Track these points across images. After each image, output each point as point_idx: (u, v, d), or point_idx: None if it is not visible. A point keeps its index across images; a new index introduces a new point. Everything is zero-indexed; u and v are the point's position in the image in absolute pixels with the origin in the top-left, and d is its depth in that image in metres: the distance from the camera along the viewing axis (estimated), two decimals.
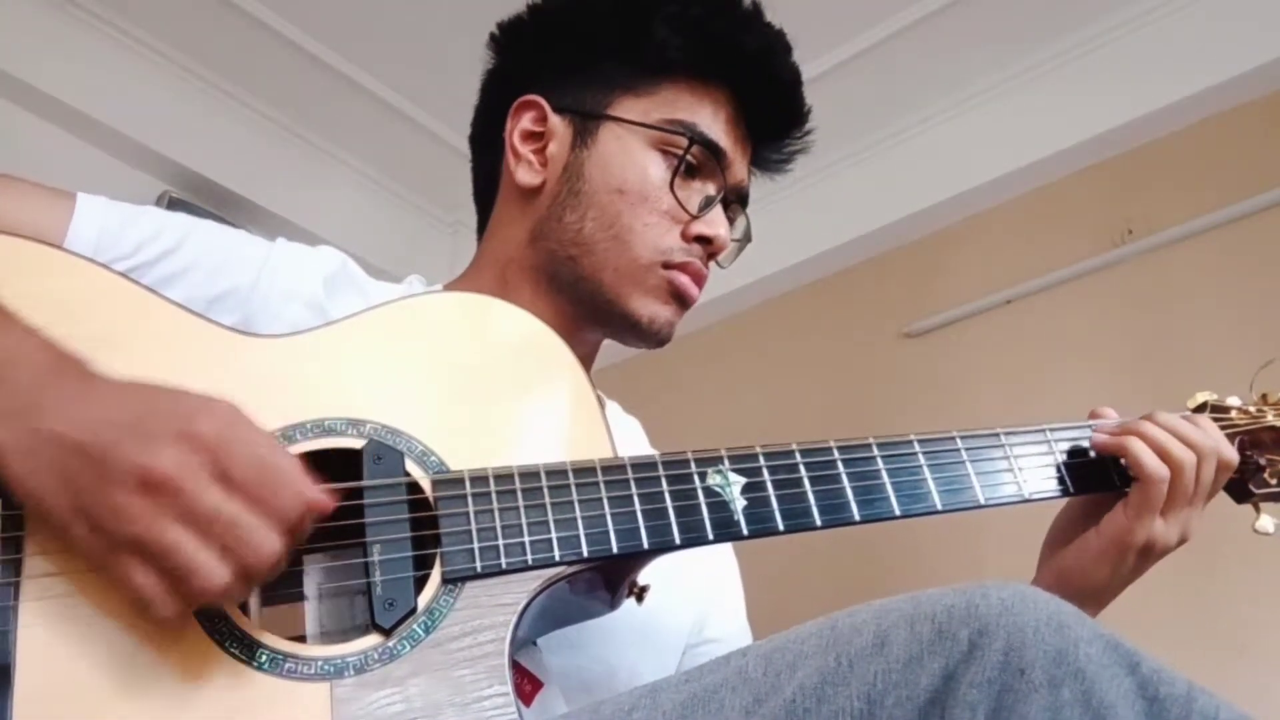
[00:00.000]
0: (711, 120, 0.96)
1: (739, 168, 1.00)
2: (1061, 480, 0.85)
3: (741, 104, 0.99)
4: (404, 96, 2.63)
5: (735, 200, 1.02)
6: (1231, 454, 0.87)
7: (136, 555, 0.57)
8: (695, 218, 0.95)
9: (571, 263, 0.95)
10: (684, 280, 0.95)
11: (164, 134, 2.44)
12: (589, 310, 0.95)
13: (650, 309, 0.95)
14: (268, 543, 0.58)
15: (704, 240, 0.95)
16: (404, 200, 2.96)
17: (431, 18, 2.38)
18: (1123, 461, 0.85)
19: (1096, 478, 0.86)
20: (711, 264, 0.99)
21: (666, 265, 0.94)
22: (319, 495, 0.61)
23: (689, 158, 0.95)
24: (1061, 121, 2.28)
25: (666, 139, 0.95)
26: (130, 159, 2.44)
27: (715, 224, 0.96)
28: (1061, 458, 0.86)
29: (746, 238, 1.06)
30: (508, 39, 1.04)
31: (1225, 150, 2.11)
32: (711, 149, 0.96)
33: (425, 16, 2.38)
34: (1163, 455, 0.83)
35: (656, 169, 0.94)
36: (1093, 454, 0.87)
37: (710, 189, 0.97)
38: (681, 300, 0.96)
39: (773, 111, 1.01)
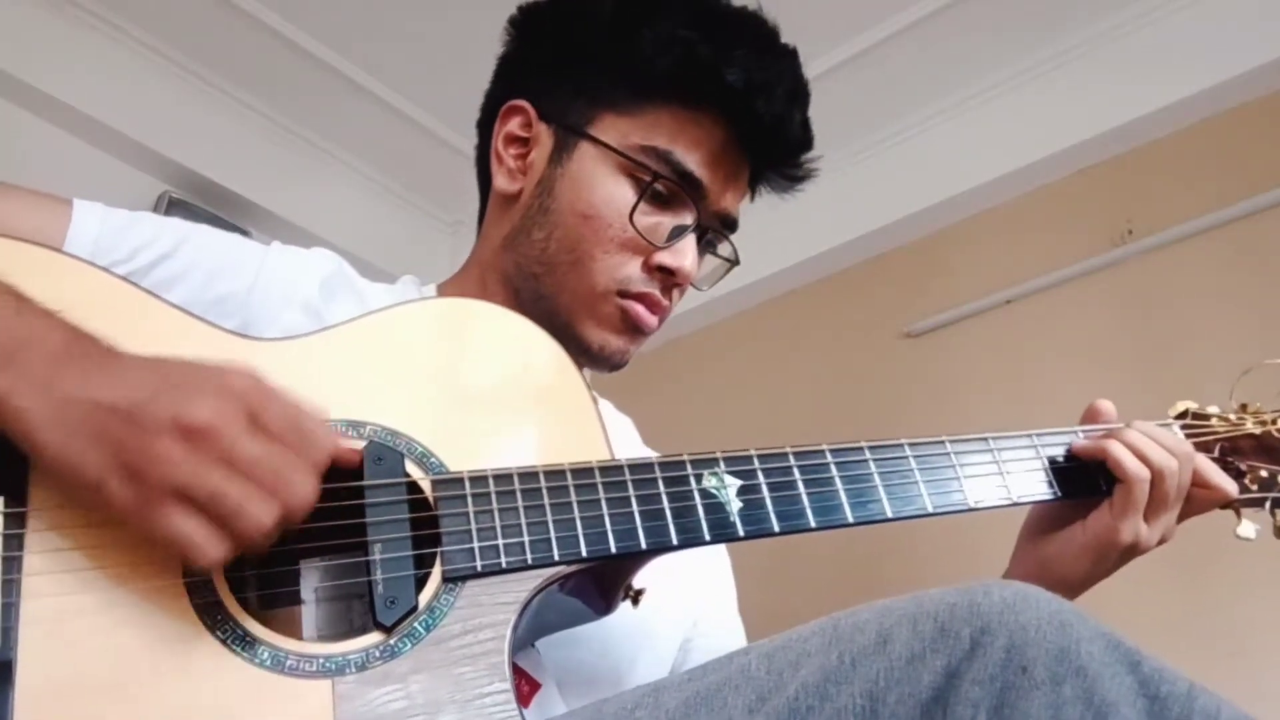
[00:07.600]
0: (691, 149, 0.93)
1: (722, 197, 0.96)
2: (1050, 485, 0.87)
3: (732, 133, 0.94)
4: (404, 96, 2.63)
5: (719, 228, 0.99)
6: (1205, 462, 0.90)
7: (179, 502, 0.58)
8: (659, 248, 0.93)
9: (534, 280, 0.94)
10: (639, 310, 0.93)
11: (164, 134, 2.44)
12: (547, 328, 0.92)
13: (601, 337, 0.94)
14: (306, 483, 0.61)
15: (666, 271, 0.93)
16: (404, 200, 2.96)
17: (432, 18, 2.38)
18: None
19: (1082, 482, 0.88)
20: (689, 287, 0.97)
21: (623, 294, 0.93)
22: (344, 442, 0.64)
23: (658, 187, 0.92)
24: (1061, 121, 2.28)
25: (638, 166, 0.92)
26: (130, 159, 2.44)
27: (680, 255, 0.93)
28: (1048, 463, 0.88)
29: (734, 261, 1.03)
30: (524, 25, 1.02)
31: (1225, 150, 2.11)
32: (686, 179, 0.93)
33: (425, 17, 2.38)
34: (1142, 458, 0.86)
35: (624, 196, 0.92)
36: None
37: (685, 218, 0.94)
38: (636, 329, 0.94)
39: (763, 145, 0.97)
